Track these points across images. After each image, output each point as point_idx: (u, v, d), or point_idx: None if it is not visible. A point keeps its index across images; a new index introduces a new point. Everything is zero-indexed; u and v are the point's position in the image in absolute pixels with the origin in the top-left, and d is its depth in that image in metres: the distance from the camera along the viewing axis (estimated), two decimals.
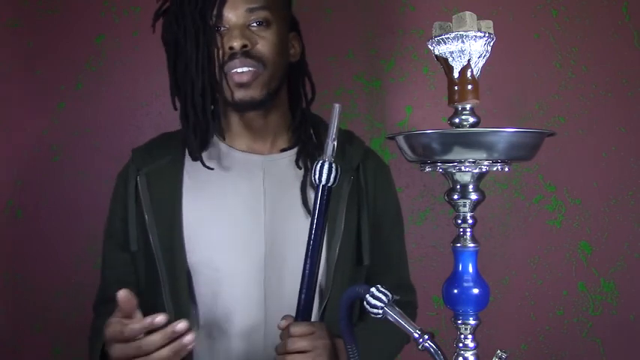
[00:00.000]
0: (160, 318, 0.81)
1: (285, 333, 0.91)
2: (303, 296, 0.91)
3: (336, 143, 0.90)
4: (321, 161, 0.89)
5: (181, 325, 0.81)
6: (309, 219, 0.91)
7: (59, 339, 1.53)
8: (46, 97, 1.54)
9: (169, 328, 0.81)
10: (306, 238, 0.91)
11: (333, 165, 0.89)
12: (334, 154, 0.90)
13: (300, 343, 0.89)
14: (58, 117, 1.54)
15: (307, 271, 0.91)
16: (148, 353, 0.81)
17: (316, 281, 0.92)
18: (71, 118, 1.54)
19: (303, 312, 0.92)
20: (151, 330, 0.82)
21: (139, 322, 0.82)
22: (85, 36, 1.54)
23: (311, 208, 0.99)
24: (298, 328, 0.90)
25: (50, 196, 1.54)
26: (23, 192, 1.54)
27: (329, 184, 0.90)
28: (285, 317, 0.92)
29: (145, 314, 1.07)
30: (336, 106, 0.90)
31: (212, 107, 1.10)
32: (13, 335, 1.53)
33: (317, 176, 0.89)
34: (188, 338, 0.81)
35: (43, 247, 1.53)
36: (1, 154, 1.53)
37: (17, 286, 1.53)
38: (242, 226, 1.03)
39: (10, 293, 1.53)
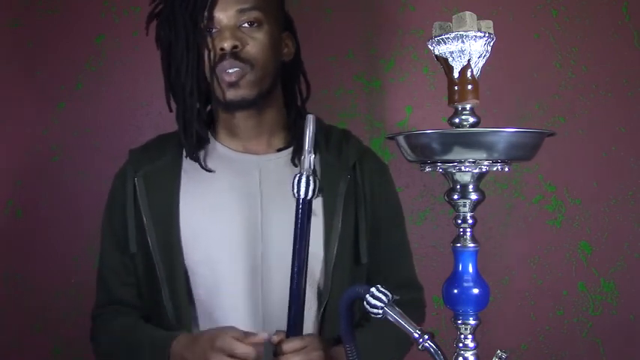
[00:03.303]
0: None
1: (278, 350, 0.91)
2: (292, 312, 0.91)
3: (312, 156, 0.90)
4: (298, 175, 0.89)
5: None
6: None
7: (59, 339, 1.53)
8: (46, 97, 1.54)
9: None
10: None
11: (311, 178, 0.89)
12: (312, 166, 0.90)
13: (294, 359, 0.90)
14: (58, 117, 1.54)
15: (294, 287, 0.91)
16: None
17: (304, 296, 0.92)
18: (71, 118, 1.54)
19: (293, 327, 0.92)
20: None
21: (249, 346, 0.89)
22: (85, 36, 1.54)
23: None
24: (290, 345, 0.91)
25: (50, 196, 1.54)
26: (23, 192, 1.54)
27: (308, 198, 0.89)
28: (276, 333, 0.93)
29: (147, 315, 1.08)
30: (310, 117, 0.90)
31: (208, 108, 1.11)
32: (13, 335, 1.53)
33: (295, 190, 0.89)
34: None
35: (43, 247, 1.53)
36: (1, 154, 1.53)
37: (17, 286, 1.53)
38: (239, 226, 1.03)
39: (10, 293, 1.53)
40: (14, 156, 1.54)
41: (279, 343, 0.91)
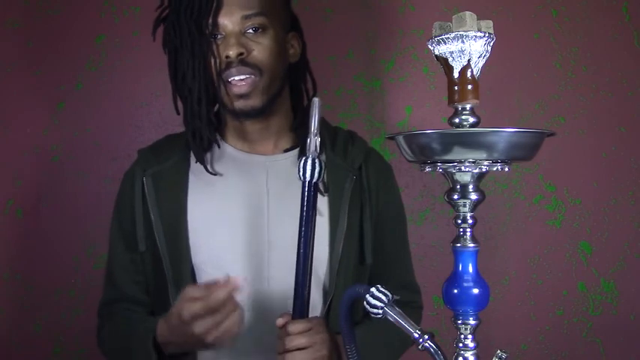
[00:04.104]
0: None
1: (283, 331, 0.91)
2: (298, 295, 0.92)
3: (318, 138, 0.90)
4: (304, 158, 0.89)
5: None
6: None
7: (59, 339, 1.53)
8: (46, 97, 1.54)
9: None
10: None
11: (317, 160, 0.89)
12: (317, 149, 0.90)
13: (299, 340, 0.90)
14: (58, 117, 1.54)
15: (301, 269, 0.91)
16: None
17: (310, 279, 0.92)
18: (71, 118, 1.54)
19: (299, 309, 0.92)
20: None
21: (222, 290, 0.84)
22: (85, 36, 1.54)
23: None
24: (295, 326, 0.91)
25: (50, 196, 1.54)
26: (23, 192, 1.54)
27: (314, 180, 0.89)
28: (282, 315, 0.93)
29: (153, 313, 1.08)
30: (316, 100, 0.90)
31: (215, 108, 1.11)
32: (13, 335, 1.53)
33: (301, 173, 0.89)
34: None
35: (43, 247, 1.53)
36: (1, 154, 1.53)
37: (17, 286, 1.53)
38: (245, 226, 1.03)
39: (10, 293, 1.53)
40: (14, 156, 1.54)
41: (285, 324, 0.91)
